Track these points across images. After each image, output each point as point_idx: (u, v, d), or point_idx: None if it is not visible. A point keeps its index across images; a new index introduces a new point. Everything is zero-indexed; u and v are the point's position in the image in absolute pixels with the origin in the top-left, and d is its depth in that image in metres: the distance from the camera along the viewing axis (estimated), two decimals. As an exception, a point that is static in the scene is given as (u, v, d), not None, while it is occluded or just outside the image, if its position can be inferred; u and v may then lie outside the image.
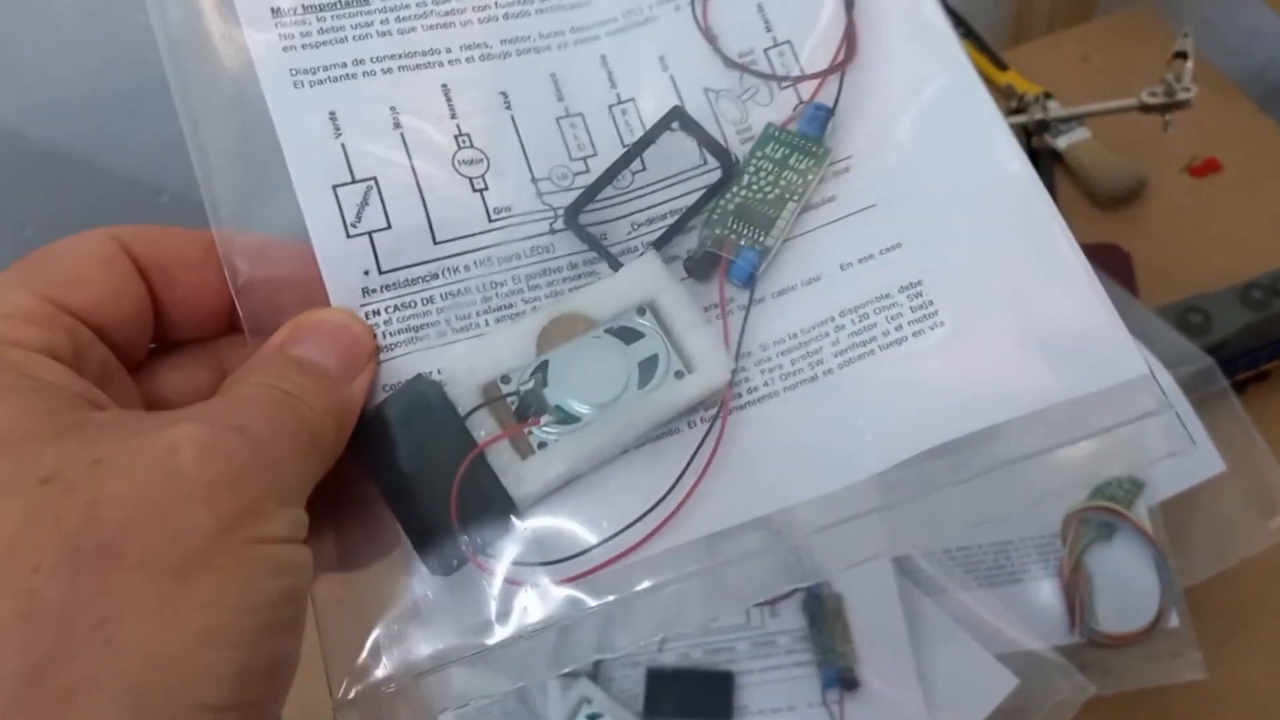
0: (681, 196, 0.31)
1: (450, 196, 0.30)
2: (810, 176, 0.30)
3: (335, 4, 0.30)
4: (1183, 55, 0.64)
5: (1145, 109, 0.66)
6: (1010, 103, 0.73)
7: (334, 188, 0.29)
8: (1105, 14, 0.87)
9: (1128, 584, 0.52)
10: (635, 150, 0.31)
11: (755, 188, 0.31)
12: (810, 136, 0.31)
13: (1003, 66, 0.76)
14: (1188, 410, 0.54)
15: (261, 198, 0.29)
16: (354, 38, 0.30)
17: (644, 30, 0.32)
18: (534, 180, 0.30)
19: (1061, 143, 0.73)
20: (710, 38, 0.32)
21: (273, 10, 0.30)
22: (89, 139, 0.81)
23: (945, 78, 0.31)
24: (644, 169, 0.31)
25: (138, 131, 0.78)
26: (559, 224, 0.30)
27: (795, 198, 0.30)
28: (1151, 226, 0.71)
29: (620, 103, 0.32)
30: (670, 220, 0.31)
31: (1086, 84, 0.76)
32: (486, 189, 0.30)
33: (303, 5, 0.30)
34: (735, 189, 0.31)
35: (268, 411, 0.23)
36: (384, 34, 0.30)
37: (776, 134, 0.31)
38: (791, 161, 0.31)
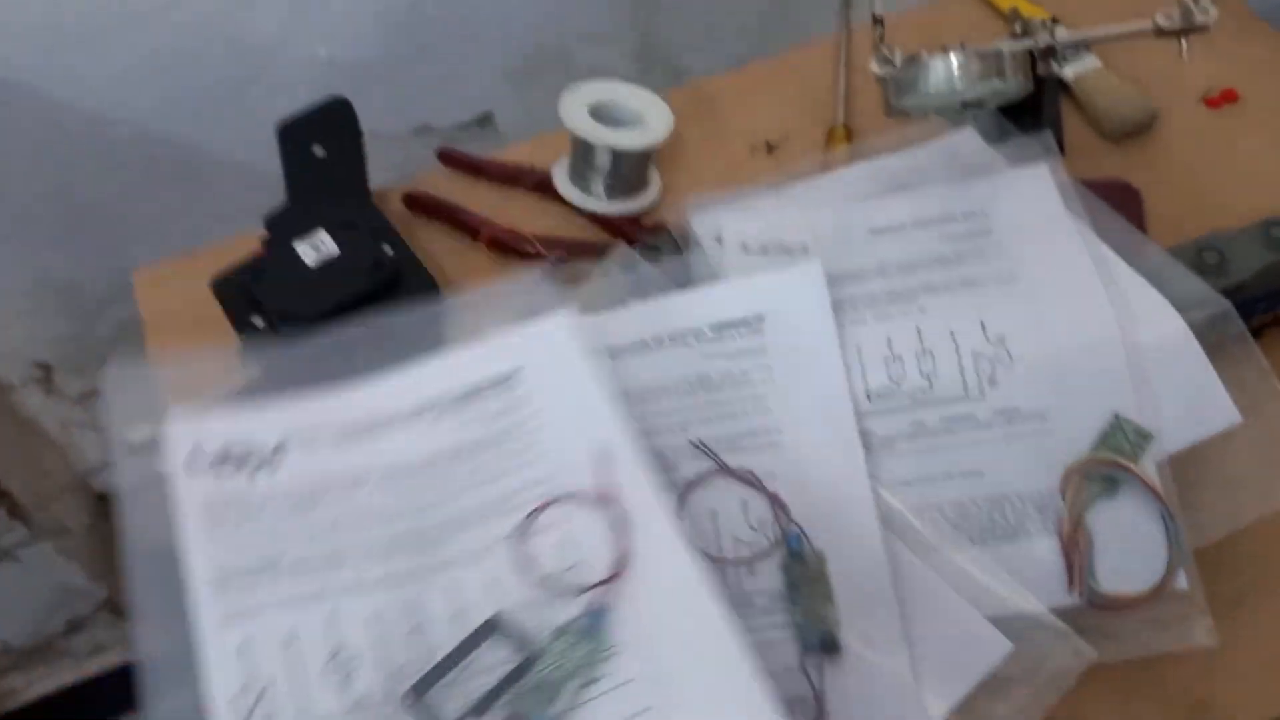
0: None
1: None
2: (588, 661, 0.42)
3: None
4: (1201, -26, 0.59)
5: (1159, 33, 0.60)
6: (1014, 27, 0.68)
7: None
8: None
9: (1132, 543, 0.48)
10: (458, 654, 0.43)
11: (546, 669, 0.42)
12: (593, 632, 0.42)
13: (1007, -10, 0.71)
14: (1202, 358, 0.50)
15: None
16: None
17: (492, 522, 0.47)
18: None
19: (1069, 72, 0.68)
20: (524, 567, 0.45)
21: None
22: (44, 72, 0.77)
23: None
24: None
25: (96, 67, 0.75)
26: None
27: (577, 678, 0.42)
28: (1164, 161, 0.67)
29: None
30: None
31: (1095, 8, 0.71)
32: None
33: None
34: (534, 670, 0.42)
35: None
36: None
37: (567, 628, 0.43)
38: (576, 650, 0.42)
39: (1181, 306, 0.51)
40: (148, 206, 0.82)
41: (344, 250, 0.57)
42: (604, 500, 0.46)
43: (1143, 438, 0.49)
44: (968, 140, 0.62)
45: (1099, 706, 0.48)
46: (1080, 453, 0.50)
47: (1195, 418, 0.50)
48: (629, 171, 0.64)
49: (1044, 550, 0.49)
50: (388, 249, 0.57)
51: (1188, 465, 0.49)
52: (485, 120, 0.94)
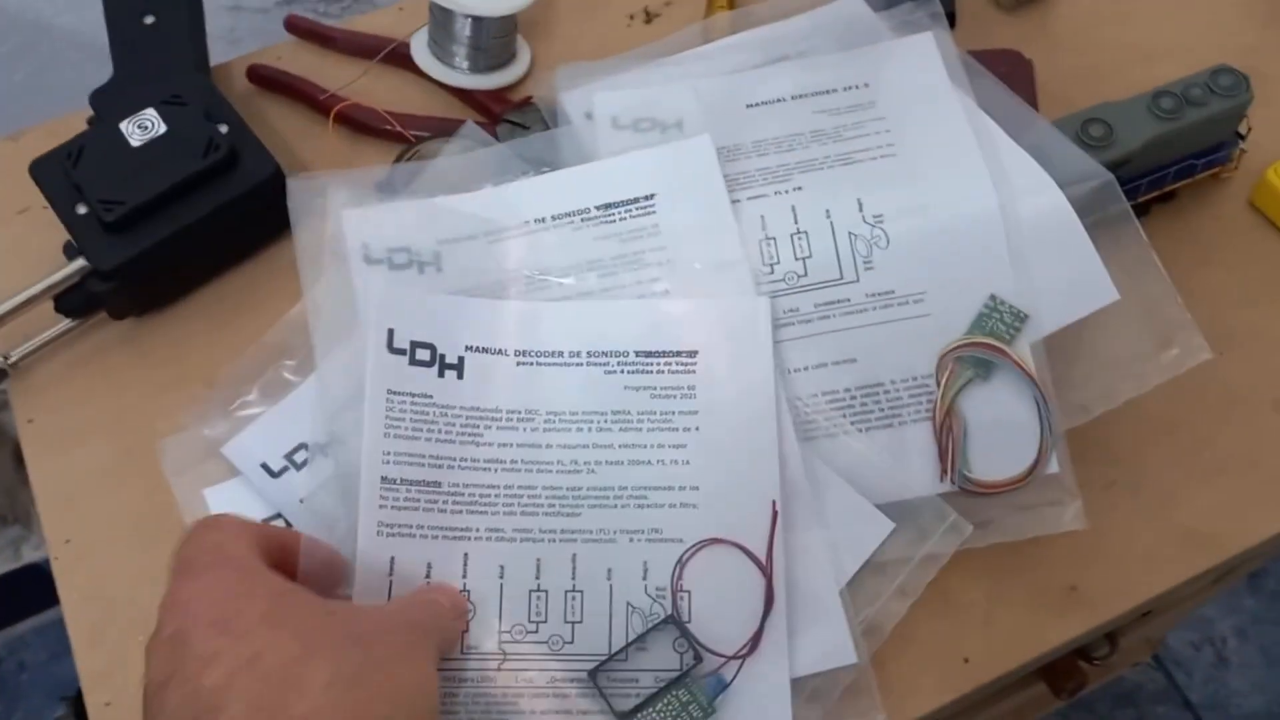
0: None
1: None
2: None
3: None
4: None
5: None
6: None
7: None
8: None
9: (1005, 428, 0.47)
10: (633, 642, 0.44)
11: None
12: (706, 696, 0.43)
13: None
14: (1081, 234, 0.48)
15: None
16: None
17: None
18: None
19: (963, -65, 0.64)
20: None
21: None
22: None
23: None
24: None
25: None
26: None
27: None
28: (1058, 31, 0.64)
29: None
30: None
31: None
32: None
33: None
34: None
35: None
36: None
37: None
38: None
39: (1064, 181, 0.49)
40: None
41: (173, 129, 0.52)
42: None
43: (1018, 319, 0.47)
44: (853, 6, 0.58)
45: (972, 590, 0.47)
46: (956, 336, 0.48)
47: (1073, 295, 0.48)
48: (493, 42, 0.59)
49: (918, 437, 0.48)
50: (223, 128, 0.52)
51: (1062, 345, 0.48)
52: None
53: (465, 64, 0.60)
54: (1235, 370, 0.53)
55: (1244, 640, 1.30)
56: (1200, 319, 0.47)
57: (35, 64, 0.75)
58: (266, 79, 0.60)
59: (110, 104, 0.54)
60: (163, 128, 0.52)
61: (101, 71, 0.56)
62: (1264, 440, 0.51)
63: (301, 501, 0.48)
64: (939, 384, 0.48)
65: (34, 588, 1.16)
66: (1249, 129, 0.56)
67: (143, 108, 0.52)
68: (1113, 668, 0.95)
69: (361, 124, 0.58)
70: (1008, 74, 0.57)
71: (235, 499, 0.48)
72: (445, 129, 0.57)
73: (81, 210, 0.50)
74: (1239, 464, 0.51)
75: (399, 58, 0.61)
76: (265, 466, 0.49)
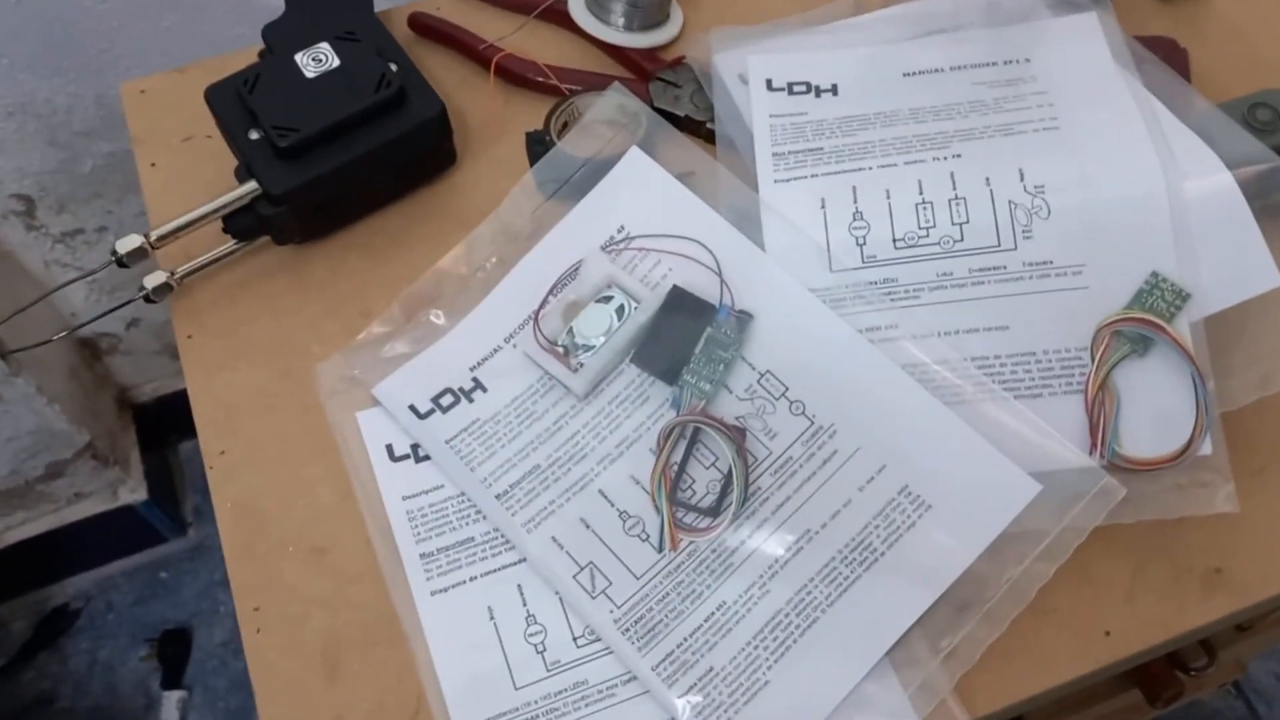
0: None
1: None
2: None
3: None
4: None
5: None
6: None
7: None
8: None
9: (1159, 405, 0.47)
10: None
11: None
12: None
13: None
14: (1248, 216, 0.48)
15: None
16: None
17: None
18: None
19: (1121, -77, 0.63)
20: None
21: None
22: None
23: None
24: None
25: None
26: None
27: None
28: (1213, 21, 0.63)
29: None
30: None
31: None
32: None
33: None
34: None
35: None
36: None
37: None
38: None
39: (1230, 164, 0.49)
40: (139, 27, 0.77)
41: (346, 63, 0.53)
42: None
43: (1179, 297, 0.47)
44: (1010, -15, 0.58)
45: (1114, 568, 0.47)
46: (1113, 310, 0.48)
47: (1236, 278, 0.47)
48: (649, 2, 0.60)
49: (1068, 410, 0.47)
50: (393, 66, 0.54)
51: (1223, 328, 0.48)
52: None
53: (621, 21, 0.61)
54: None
55: (1328, 676, 1.27)
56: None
57: (188, 8, 0.77)
58: (427, 27, 0.61)
59: (282, 38, 0.55)
60: (336, 61, 0.53)
61: (243, 24, 0.57)
62: None
63: (447, 443, 0.49)
64: (1094, 357, 0.47)
65: (128, 530, 1.18)
66: None
67: (316, 42, 0.54)
68: (1207, 683, 0.93)
69: (518, 75, 0.60)
70: (1163, 61, 0.57)
71: (387, 424, 0.50)
72: (599, 84, 0.57)
73: (255, 136, 0.52)
74: (1391, 461, 0.50)
75: (556, 14, 0.62)
76: (412, 408, 0.50)
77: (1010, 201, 0.49)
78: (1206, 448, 0.46)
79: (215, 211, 0.52)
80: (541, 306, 0.51)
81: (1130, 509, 0.46)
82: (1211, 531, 0.48)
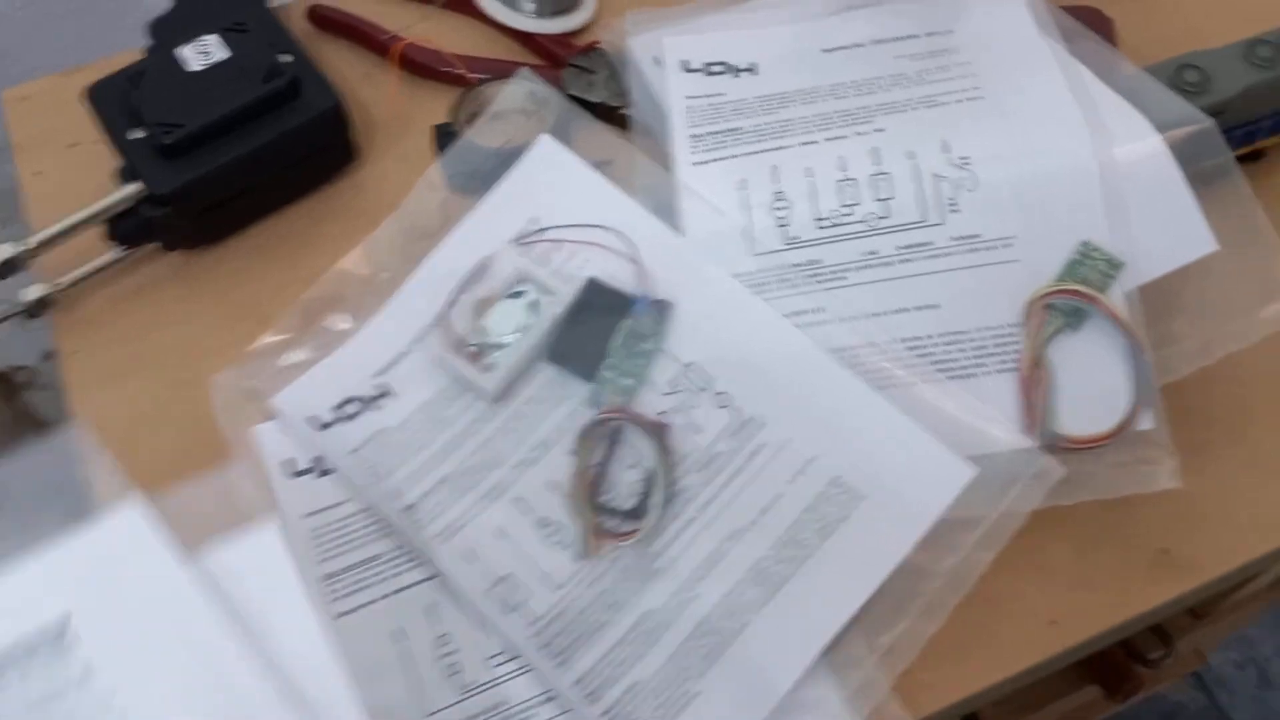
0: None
1: None
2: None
3: None
4: None
5: None
6: None
7: None
8: None
9: (1097, 380, 0.45)
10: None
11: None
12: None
13: None
14: (1180, 180, 0.46)
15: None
16: None
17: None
18: None
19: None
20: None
21: None
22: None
23: None
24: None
25: None
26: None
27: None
28: (1139, -8, 0.62)
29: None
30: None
31: None
32: None
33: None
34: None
35: None
36: None
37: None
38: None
39: (1160, 127, 0.47)
40: (26, 18, 0.74)
41: (235, 56, 0.50)
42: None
43: (1112, 267, 0.45)
44: (931, -44, 0.56)
45: (1058, 553, 0.45)
46: (1045, 283, 0.46)
47: (1170, 245, 0.46)
48: (560, -14, 0.58)
49: (1003, 389, 0.45)
50: (285, 57, 0.51)
51: (1159, 296, 0.46)
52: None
53: (531, 6, 0.58)
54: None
55: (1289, 660, 1.26)
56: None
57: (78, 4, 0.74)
58: (327, 20, 0.58)
59: (170, 33, 0.52)
60: (225, 54, 0.50)
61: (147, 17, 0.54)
62: (1365, 405, 0.49)
63: (352, 454, 0.46)
64: (1025, 332, 0.45)
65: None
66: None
67: (204, 35, 0.51)
68: (1166, 675, 0.92)
69: (424, 66, 0.57)
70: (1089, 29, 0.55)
71: (283, 438, 0.47)
72: (509, 73, 0.55)
73: (138, 134, 0.49)
74: (1341, 428, 0.48)
75: (463, 2, 0.59)
76: (314, 419, 0.47)
77: (935, 175, 0.47)
78: (1147, 422, 0.44)
79: (97, 215, 0.49)
80: (450, 306, 0.48)
81: (1071, 490, 0.44)
82: (1158, 510, 0.46)
